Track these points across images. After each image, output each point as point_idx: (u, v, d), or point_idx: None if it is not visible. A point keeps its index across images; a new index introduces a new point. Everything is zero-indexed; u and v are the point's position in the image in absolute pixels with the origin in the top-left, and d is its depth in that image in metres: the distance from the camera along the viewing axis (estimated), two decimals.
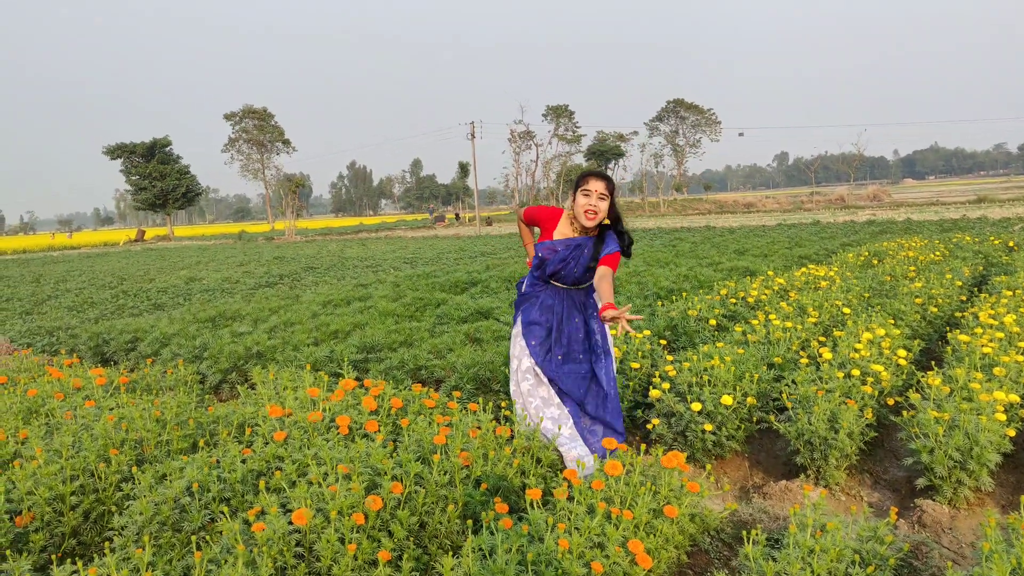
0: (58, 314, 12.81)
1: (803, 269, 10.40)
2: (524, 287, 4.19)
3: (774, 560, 2.64)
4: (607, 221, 3.91)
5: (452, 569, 2.47)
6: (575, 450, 3.93)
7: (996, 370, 4.65)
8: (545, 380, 4.04)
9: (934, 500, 3.89)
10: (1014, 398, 4.25)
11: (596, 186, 3.79)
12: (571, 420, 4.03)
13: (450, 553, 2.72)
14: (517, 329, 4.13)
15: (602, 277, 3.76)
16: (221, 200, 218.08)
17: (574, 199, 3.86)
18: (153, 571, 2.47)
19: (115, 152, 68.71)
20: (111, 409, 4.25)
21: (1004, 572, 2.11)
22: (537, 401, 4.00)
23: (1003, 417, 3.96)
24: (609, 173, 3.93)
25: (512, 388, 4.12)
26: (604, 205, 3.81)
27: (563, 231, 3.98)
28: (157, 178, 68.51)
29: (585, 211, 3.81)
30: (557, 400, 4.03)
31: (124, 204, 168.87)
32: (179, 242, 57.11)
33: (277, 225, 77.36)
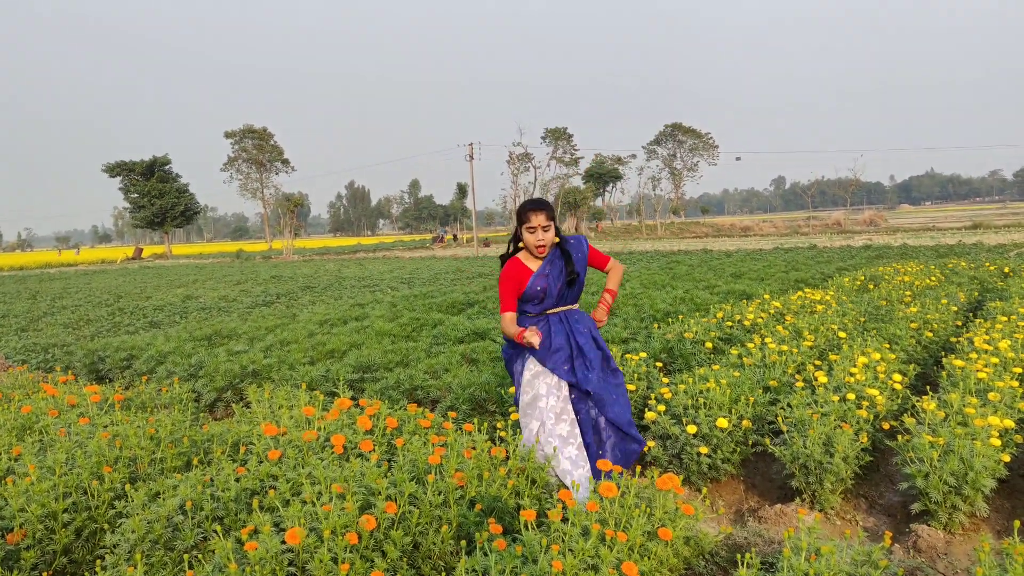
0: (54, 331, 12.79)
1: (799, 293, 10.44)
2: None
3: None
4: (556, 240, 4.07)
5: None
6: (577, 471, 3.91)
7: (991, 395, 4.66)
8: (568, 417, 4.02)
9: (929, 525, 3.88)
10: (1009, 423, 4.25)
11: (538, 220, 3.94)
12: (585, 454, 4.02)
13: (444, 574, 2.71)
14: (535, 369, 4.05)
15: (610, 270, 4.34)
16: (219, 219, 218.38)
17: (521, 235, 4.03)
18: None
19: (114, 170, 68.87)
20: (105, 426, 4.24)
21: None
22: (556, 442, 3.96)
23: (998, 442, 3.96)
24: (549, 200, 4.16)
25: (527, 431, 4.04)
26: (549, 236, 3.98)
27: (533, 264, 4.08)
28: (156, 196, 68.61)
29: (536, 247, 3.97)
30: (578, 441, 4.01)
31: (122, 222, 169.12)
32: (176, 260, 57.13)
33: (275, 244, 77.50)
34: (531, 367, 4.06)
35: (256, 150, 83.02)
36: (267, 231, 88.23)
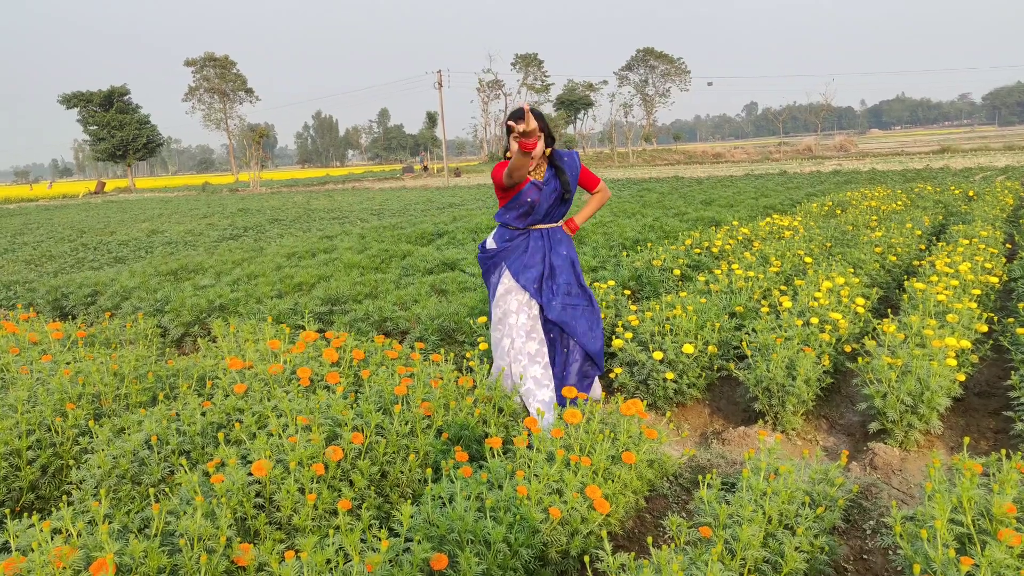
0: (15, 268, 12.53)
1: (768, 219, 10.49)
2: (494, 243, 4.15)
3: (728, 503, 2.70)
4: (548, 153, 3.99)
5: (412, 516, 2.49)
6: (541, 391, 3.96)
7: (949, 317, 4.75)
8: (537, 336, 4.04)
9: (886, 443, 4.00)
10: (965, 344, 4.35)
11: (520, 126, 3.75)
12: (551, 373, 4.07)
13: (410, 501, 2.74)
14: (508, 284, 4.05)
15: (595, 193, 4.30)
16: (184, 151, 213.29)
17: (508, 146, 3.90)
18: (111, 523, 2.46)
19: (71, 101, 66.58)
20: (68, 363, 4.19)
21: (945, 509, 2.18)
22: (524, 360, 3.99)
23: (954, 363, 4.06)
24: (538, 108, 3.81)
25: (499, 348, 4.08)
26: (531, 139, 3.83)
27: (532, 175, 4.02)
28: (116, 128, 66.62)
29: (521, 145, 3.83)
30: (545, 360, 4.05)
31: (83, 155, 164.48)
32: (140, 194, 55.91)
33: (241, 176, 75.95)
34: (505, 282, 4.08)
35: (218, 79, 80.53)
36: (233, 163, 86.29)
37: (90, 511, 2.65)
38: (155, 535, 2.40)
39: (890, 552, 2.88)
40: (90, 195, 56.93)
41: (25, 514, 2.79)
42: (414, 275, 8.57)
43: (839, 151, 59.74)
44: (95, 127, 67.34)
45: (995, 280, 5.93)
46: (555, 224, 4.17)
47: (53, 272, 11.69)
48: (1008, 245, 8.63)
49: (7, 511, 2.59)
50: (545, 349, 4.06)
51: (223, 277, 8.93)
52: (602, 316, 5.40)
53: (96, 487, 3.00)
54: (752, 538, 2.43)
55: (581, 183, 4.19)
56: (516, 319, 4.02)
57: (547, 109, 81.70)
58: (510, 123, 3.80)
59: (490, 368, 3.98)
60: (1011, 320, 5.08)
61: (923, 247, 8.74)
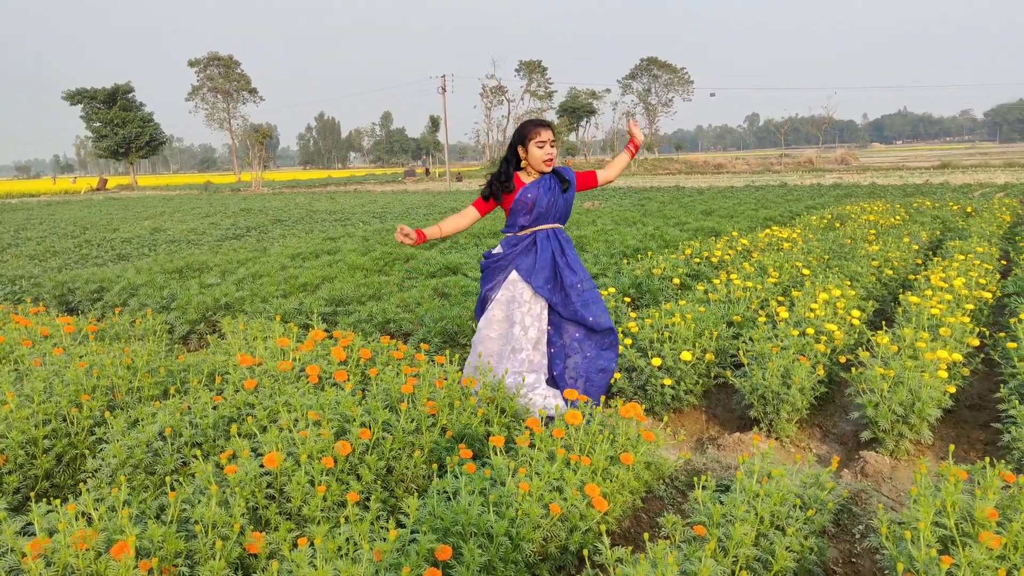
0: (19, 263, 12.62)
1: (767, 231, 10.61)
2: (499, 250, 4.25)
3: (721, 503, 2.80)
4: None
5: (417, 509, 2.59)
6: (546, 399, 4.10)
7: (942, 330, 4.86)
8: (542, 348, 4.19)
9: (877, 452, 4.10)
10: (957, 357, 4.46)
11: (547, 135, 4.08)
12: (543, 378, 4.20)
13: (416, 495, 2.84)
14: (511, 293, 4.19)
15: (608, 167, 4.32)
16: (186, 150, 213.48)
17: (527, 152, 4.10)
18: (128, 509, 2.55)
19: (75, 97, 66.84)
20: (81, 356, 4.29)
21: (929, 512, 2.28)
22: (528, 371, 4.15)
23: (945, 375, 4.17)
24: (552, 121, 4.16)
25: (486, 341, 4.22)
26: (555, 150, 4.12)
27: (526, 178, 4.19)
28: (119, 125, 66.88)
29: (545, 160, 4.09)
30: (546, 366, 4.21)
31: (84, 151, 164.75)
32: (142, 192, 56.03)
33: (243, 176, 76.11)
34: (510, 288, 4.19)
35: (222, 79, 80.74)
36: (235, 163, 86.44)
37: (107, 497, 2.74)
38: (172, 521, 2.50)
39: (877, 553, 2.98)
40: (92, 192, 57.01)
41: (43, 500, 2.89)
42: (417, 278, 8.68)
43: (840, 164, 59.93)
44: (98, 124, 67.57)
45: (988, 295, 6.05)
46: (558, 225, 4.26)
47: (57, 268, 11.79)
48: (1003, 261, 8.75)
49: (31, 495, 2.68)
50: (545, 362, 4.20)
51: (228, 276, 9.04)
52: None
53: (112, 475, 3.11)
54: (744, 537, 2.54)
55: (583, 185, 4.32)
56: (525, 332, 4.14)
57: (550, 116, 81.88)
58: (540, 129, 4.06)
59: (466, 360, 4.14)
60: (1002, 335, 5.19)
61: (919, 261, 8.86)
